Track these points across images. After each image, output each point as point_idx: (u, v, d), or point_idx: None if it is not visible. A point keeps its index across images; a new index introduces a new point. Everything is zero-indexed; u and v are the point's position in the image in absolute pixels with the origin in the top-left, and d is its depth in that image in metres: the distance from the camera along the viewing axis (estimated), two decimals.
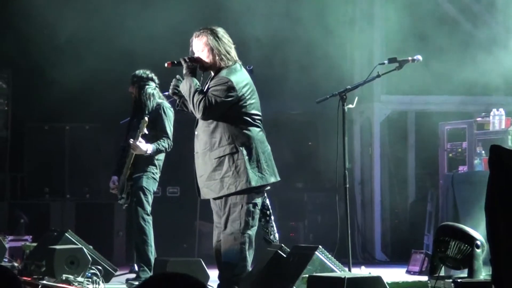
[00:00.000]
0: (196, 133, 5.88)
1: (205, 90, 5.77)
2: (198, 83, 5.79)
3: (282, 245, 6.56)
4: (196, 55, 5.86)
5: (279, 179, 5.89)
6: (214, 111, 5.68)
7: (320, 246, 6.14)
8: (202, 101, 5.66)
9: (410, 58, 6.86)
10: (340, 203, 6.73)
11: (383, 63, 6.93)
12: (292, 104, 11.17)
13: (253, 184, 5.69)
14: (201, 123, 5.81)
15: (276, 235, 6.29)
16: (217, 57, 5.78)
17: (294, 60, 10.55)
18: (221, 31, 5.84)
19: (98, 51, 10.08)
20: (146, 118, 7.56)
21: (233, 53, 5.85)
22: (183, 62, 5.81)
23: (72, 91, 10.24)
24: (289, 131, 11.09)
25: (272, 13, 10.29)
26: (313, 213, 11.50)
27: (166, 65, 5.91)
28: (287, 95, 10.86)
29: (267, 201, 6.26)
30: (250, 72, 6.50)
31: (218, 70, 5.83)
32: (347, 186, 6.62)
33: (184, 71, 5.82)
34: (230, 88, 5.68)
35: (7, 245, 8.64)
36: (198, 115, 5.73)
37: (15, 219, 10.32)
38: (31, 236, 9.28)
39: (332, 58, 10.59)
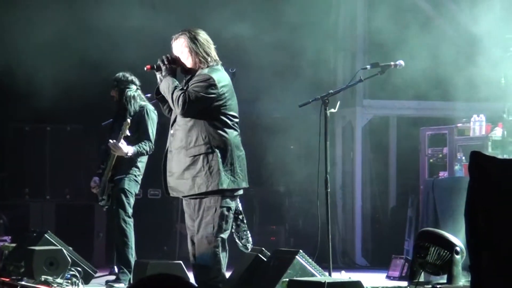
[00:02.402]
0: (171, 132, 5.85)
1: (185, 88, 5.76)
2: (178, 83, 5.79)
3: (263, 248, 6.55)
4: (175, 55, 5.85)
5: (248, 186, 5.88)
6: (194, 106, 5.66)
7: (300, 251, 6.15)
8: (182, 96, 5.65)
9: (392, 63, 6.88)
10: (321, 207, 6.73)
11: (366, 68, 6.94)
12: (274, 108, 11.17)
13: (225, 186, 5.67)
14: (178, 121, 5.80)
15: (250, 239, 6.26)
16: (196, 59, 5.78)
17: (277, 64, 10.54)
18: (199, 32, 5.84)
19: (81, 51, 10.04)
20: (129, 120, 7.54)
21: (213, 54, 5.83)
22: (161, 65, 5.80)
23: (54, 92, 10.19)
24: (271, 135, 11.08)
25: (256, 16, 10.28)
26: (294, 217, 11.50)
27: (145, 68, 5.91)
28: (269, 99, 10.86)
29: (239, 206, 6.25)
30: (233, 75, 6.50)
31: (199, 71, 5.82)
32: (329, 190, 6.63)
33: (163, 73, 5.81)
34: (212, 85, 5.67)
35: None
36: (177, 110, 5.70)
37: None
38: (10, 237, 9.23)
39: (314, 62, 10.60)
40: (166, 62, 5.79)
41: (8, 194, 10.84)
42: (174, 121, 5.84)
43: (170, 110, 5.90)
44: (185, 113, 5.70)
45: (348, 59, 11.27)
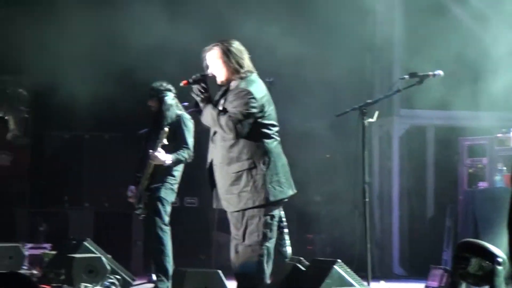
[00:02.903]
0: (212, 144, 5.84)
1: (223, 104, 5.74)
2: (217, 109, 5.76)
3: (301, 258, 6.54)
4: (209, 70, 5.85)
5: (296, 191, 5.86)
6: (244, 125, 5.63)
7: (339, 260, 6.12)
8: (229, 121, 5.62)
9: (431, 73, 6.84)
10: (358, 216, 6.71)
11: (404, 78, 6.90)
12: (312, 117, 11.15)
13: (272, 199, 5.66)
14: (216, 136, 5.80)
15: (289, 248, 6.26)
16: (229, 70, 5.78)
17: (315, 73, 10.54)
18: (232, 43, 5.83)
19: (117, 61, 10.10)
20: (166, 129, 7.56)
21: (246, 63, 5.82)
22: (196, 97, 5.80)
23: (92, 100, 10.27)
24: (308, 144, 11.07)
25: (291, 25, 10.29)
26: (331, 226, 11.46)
27: (181, 84, 5.92)
28: (307, 108, 10.85)
29: (282, 213, 6.24)
30: (270, 84, 6.51)
31: (234, 81, 5.81)
32: (367, 200, 6.59)
33: (201, 105, 5.81)
34: (251, 99, 5.65)
35: (26, 253, 8.68)
36: (231, 135, 5.67)
37: (35, 227, 10.37)
38: (50, 244, 9.32)
39: (351, 72, 10.57)
40: (200, 94, 5.81)
41: (47, 202, 10.94)
42: (214, 134, 5.83)
43: None
44: (238, 135, 5.66)
45: (385, 69, 11.23)
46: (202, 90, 5.79)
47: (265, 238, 5.69)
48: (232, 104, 5.69)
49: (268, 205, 5.68)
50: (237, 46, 5.83)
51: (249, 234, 5.70)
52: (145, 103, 8.05)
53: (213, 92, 5.93)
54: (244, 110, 5.64)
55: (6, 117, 11.36)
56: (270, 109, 5.78)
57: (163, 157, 7.59)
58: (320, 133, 11.22)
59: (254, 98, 5.66)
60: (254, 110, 5.66)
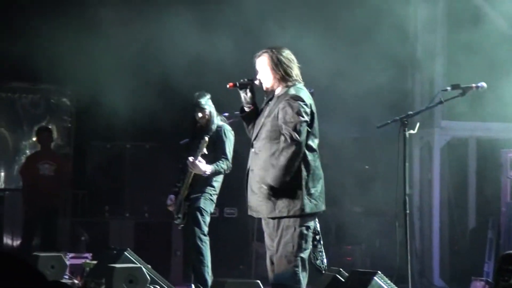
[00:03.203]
0: (253, 150, 5.83)
1: (270, 112, 5.75)
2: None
3: (341, 269, 6.52)
4: (258, 76, 5.87)
5: (325, 208, 5.85)
6: (301, 132, 5.60)
7: (379, 272, 6.09)
8: (287, 132, 5.60)
9: (474, 85, 6.76)
10: (399, 228, 6.66)
11: (446, 90, 6.84)
12: (351, 128, 11.13)
13: (307, 211, 5.65)
14: (261, 141, 5.79)
15: (325, 260, 6.23)
16: (276, 78, 5.78)
17: (355, 84, 10.50)
18: (282, 51, 5.83)
19: (158, 72, 10.19)
20: (206, 138, 7.57)
21: (295, 73, 5.81)
22: (242, 88, 5.83)
23: (134, 110, 10.35)
24: (348, 155, 11.04)
25: (330, 39, 10.29)
26: (371, 237, 11.41)
27: (228, 86, 5.92)
28: (347, 119, 10.83)
29: (318, 226, 6.22)
30: (311, 95, 6.50)
31: (280, 89, 5.81)
32: (408, 212, 6.54)
33: (245, 109, 5.85)
34: (304, 105, 5.63)
35: (68, 262, 8.74)
36: (293, 147, 5.59)
37: (76, 236, 10.46)
38: (91, 254, 9.39)
39: (393, 83, 10.53)
40: (245, 98, 5.85)
41: (88, 212, 11.05)
42: (255, 139, 5.83)
43: (253, 128, 5.90)
44: (299, 144, 5.59)
45: (426, 80, 11.17)
46: (249, 95, 5.83)
47: (300, 249, 5.68)
48: (284, 111, 5.67)
49: (303, 216, 5.67)
50: (286, 54, 5.82)
51: (284, 244, 5.69)
52: (184, 113, 8.08)
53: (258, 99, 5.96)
54: (299, 116, 5.61)
55: (49, 127, 11.53)
56: (315, 122, 5.77)
57: (203, 166, 7.62)
58: (360, 145, 11.19)
59: (306, 104, 5.65)
60: (306, 118, 5.65)
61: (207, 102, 7.86)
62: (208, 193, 7.80)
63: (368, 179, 11.10)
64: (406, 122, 6.56)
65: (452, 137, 11.21)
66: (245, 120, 5.94)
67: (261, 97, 5.96)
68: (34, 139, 11.66)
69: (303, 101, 5.64)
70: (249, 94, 5.85)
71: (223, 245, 9.68)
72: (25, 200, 10.76)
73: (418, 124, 6.78)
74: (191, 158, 7.62)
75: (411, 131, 6.62)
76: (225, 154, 7.75)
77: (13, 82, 11.60)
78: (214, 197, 7.86)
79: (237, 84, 5.85)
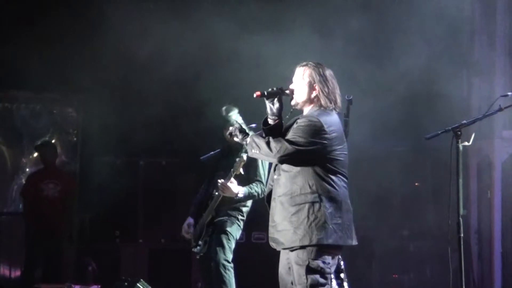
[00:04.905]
0: (275, 177, 5.94)
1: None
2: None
3: None
4: (291, 86, 5.97)
5: (357, 243, 5.90)
6: (298, 152, 5.73)
7: None
8: (280, 142, 5.73)
9: None
10: (453, 254, 6.70)
11: (507, 95, 6.88)
12: (397, 140, 11.16)
13: (331, 242, 5.72)
14: (283, 165, 5.86)
15: None
16: (314, 94, 5.88)
17: (400, 90, 10.55)
18: (330, 72, 5.94)
19: (175, 80, 10.28)
20: (245, 157, 7.54)
21: (339, 101, 5.93)
22: (269, 98, 5.91)
23: (147, 122, 10.46)
24: (394, 170, 11.07)
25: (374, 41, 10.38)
26: (420, 265, 11.42)
27: (255, 95, 5.98)
28: (391, 130, 10.87)
29: (342, 262, 6.27)
30: (349, 102, 6.60)
31: (309, 110, 5.93)
32: (462, 235, 6.58)
33: (269, 121, 5.93)
34: (321, 129, 5.74)
35: None
36: (273, 155, 5.77)
37: (83, 266, 10.54)
38: (99, 286, 9.48)
39: (445, 88, 10.58)
40: (272, 109, 5.93)
41: (97, 238, 11.10)
42: (278, 164, 5.91)
43: None
44: (283, 157, 5.74)
45: (484, 84, 11.21)
46: (276, 106, 5.91)
47: (315, 285, 5.73)
48: (297, 129, 5.79)
49: (322, 251, 5.74)
50: (333, 78, 5.93)
51: (298, 277, 5.76)
52: (206, 126, 8.12)
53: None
54: (309, 138, 5.72)
55: (53, 141, 11.61)
56: (340, 148, 5.84)
57: (235, 188, 7.66)
58: (407, 158, 11.19)
59: (323, 129, 5.74)
60: (319, 141, 5.74)
61: (237, 118, 7.90)
62: (235, 216, 7.88)
63: (417, 198, 11.13)
64: (459, 132, 6.59)
65: None
66: (267, 134, 5.97)
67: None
68: (35, 155, 11.72)
69: (321, 124, 5.73)
70: (276, 104, 5.92)
71: (251, 273, 9.72)
72: (26, 225, 10.76)
73: (473, 135, 6.80)
74: (221, 181, 7.65)
75: (466, 143, 6.65)
76: (259, 176, 7.82)
77: (11, 90, 11.59)
78: (241, 223, 7.93)
79: (265, 93, 5.92)
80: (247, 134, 5.93)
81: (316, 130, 5.74)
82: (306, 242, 5.71)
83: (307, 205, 5.74)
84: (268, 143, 5.79)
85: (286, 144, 5.74)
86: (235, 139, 6.00)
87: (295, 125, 5.85)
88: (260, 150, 5.83)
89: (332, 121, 5.84)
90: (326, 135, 5.76)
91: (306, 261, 5.72)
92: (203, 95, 9.78)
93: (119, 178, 11.11)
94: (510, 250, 11.21)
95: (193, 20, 10.14)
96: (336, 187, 5.79)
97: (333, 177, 5.79)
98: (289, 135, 5.80)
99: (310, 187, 5.75)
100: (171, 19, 10.15)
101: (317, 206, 5.72)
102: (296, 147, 5.73)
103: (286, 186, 5.83)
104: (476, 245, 11.29)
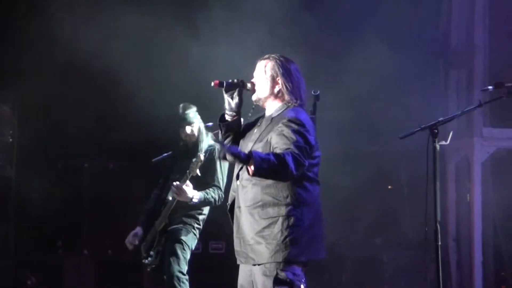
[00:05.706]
0: (238, 183, 5.83)
1: (262, 133, 5.76)
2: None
3: None
4: (252, 80, 5.90)
5: (325, 255, 5.86)
6: (301, 162, 5.57)
7: None
8: (289, 156, 5.52)
9: None
10: (430, 264, 6.71)
11: (487, 89, 6.89)
12: (369, 140, 11.19)
13: (303, 259, 5.68)
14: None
15: None
16: (277, 89, 5.81)
17: (372, 84, 10.56)
18: (295, 66, 5.88)
19: (119, 77, 10.24)
20: (202, 156, 7.56)
21: (304, 97, 5.86)
22: (228, 89, 5.83)
23: (94, 121, 10.38)
24: (365, 172, 11.09)
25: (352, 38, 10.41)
26: (395, 276, 11.43)
27: (212, 84, 5.90)
28: (363, 128, 10.89)
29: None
30: (316, 98, 6.51)
31: (276, 108, 5.84)
32: (439, 243, 6.59)
33: (226, 117, 5.85)
34: (306, 131, 5.63)
35: None
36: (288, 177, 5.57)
37: (21, 280, 10.47)
38: None
39: (420, 82, 10.59)
40: (230, 103, 5.85)
41: (36, 249, 11.03)
42: (241, 169, 5.79)
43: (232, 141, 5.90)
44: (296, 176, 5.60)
45: (462, 78, 11.24)
46: (235, 101, 5.84)
47: None
48: (282, 137, 5.64)
49: (290, 263, 5.66)
50: (297, 69, 5.87)
51: None
52: (159, 125, 8.11)
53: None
54: (301, 143, 5.58)
55: None
56: (317, 151, 5.77)
57: (190, 192, 7.63)
58: (380, 160, 11.23)
59: (308, 131, 5.66)
60: (307, 145, 5.62)
61: (195, 116, 7.91)
62: (191, 224, 7.83)
63: (391, 203, 11.15)
64: (436, 131, 6.61)
65: (496, 149, 11.25)
66: (223, 131, 5.92)
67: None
68: None
69: (305, 126, 5.64)
70: (236, 99, 5.86)
71: (207, 285, 9.71)
72: None
73: (451, 133, 6.81)
74: (176, 183, 7.61)
75: (443, 142, 6.66)
76: (217, 181, 7.79)
77: None
78: (198, 232, 7.89)
79: (224, 84, 5.83)
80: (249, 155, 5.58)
81: (303, 132, 5.63)
82: (279, 259, 5.62)
83: (280, 219, 5.63)
84: (283, 160, 5.48)
85: (301, 157, 5.55)
86: (226, 106, 5.86)
87: (276, 134, 5.67)
88: (275, 172, 5.52)
89: (308, 120, 5.75)
90: (310, 137, 5.67)
91: (274, 272, 5.64)
92: (156, 92, 9.73)
93: (61, 182, 11.07)
94: (492, 258, 11.30)
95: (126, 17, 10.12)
96: (312, 197, 5.72)
97: (308, 186, 5.71)
98: (284, 144, 5.60)
99: (284, 198, 5.65)
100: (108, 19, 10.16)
101: (292, 220, 5.62)
102: (297, 157, 5.53)
103: (256, 195, 5.71)
104: (455, 254, 11.34)
